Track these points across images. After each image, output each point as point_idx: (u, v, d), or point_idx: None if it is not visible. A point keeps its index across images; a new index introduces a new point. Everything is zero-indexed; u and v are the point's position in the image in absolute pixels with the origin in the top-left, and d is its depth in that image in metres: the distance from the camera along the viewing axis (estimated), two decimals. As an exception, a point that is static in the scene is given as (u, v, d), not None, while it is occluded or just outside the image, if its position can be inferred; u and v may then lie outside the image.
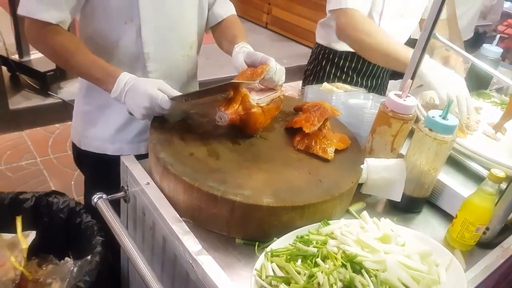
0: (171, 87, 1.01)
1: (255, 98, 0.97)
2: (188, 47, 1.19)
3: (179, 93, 0.97)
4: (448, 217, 0.98)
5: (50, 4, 0.97)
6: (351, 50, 1.56)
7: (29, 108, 2.83)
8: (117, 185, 1.01)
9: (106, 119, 1.18)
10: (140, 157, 1.01)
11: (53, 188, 2.12)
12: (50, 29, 0.98)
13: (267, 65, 0.99)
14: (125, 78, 0.97)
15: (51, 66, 2.90)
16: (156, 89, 0.94)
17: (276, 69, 1.00)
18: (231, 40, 1.18)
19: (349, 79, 1.62)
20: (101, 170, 1.22)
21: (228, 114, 0.93)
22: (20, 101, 2.85)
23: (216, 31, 1.28)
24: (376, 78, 1.67)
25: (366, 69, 1.61)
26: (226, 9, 1.28)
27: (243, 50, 1.08)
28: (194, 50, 1.22)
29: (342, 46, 1.57)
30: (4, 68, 2.79)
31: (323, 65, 1.63)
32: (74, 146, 1.26)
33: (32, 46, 1.05)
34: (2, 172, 2.42)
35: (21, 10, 0.98)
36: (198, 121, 1.02)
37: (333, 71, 1.62)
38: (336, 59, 1.59)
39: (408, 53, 1.20)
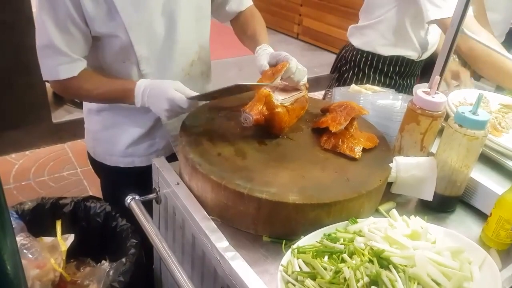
0: None
1: (279, 98, 0.98)
2: (188, 66, 1.18)
3: (195, 93, 0.99)
4: (482, 216, 0.94)
5: (67, 62, 1.03)
6: (397, 54, 1.56)
7: (71, 121, 2.95)
8: (133, 192, 1.01)
9: (114, 139, 1.22)
10: (148, 170, 1.05)
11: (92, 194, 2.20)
12: (69, 82, 1.05)
13: (287, 62, 1.00)
14: (141, 87, 1.02)
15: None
16: (173, 91, 0.98)
17: (297, 69, 1.01)
18: (251, 36, 1.19)
19: (392, 82, 1.62)
20: (115, 179, 1.27)
21: (252, 115, 0.94)
22: (63, 115, 2.98)
23: (235, 26, 1.29)
24: (413, 76, 1.66)
25: (409, 70, 1.60)
26: (238, 4, 1.27)
27: (265, 52, 1.10)
28: (196, 67, 1.21)
29: (389, 51, 1.56)
30: (47, 85, 2.94)
31: (365, 71, 1.62)
32: (89, 154, 1.31)
33: (61, 95, 1.17)
34: (45, 182, 2.53)
35: (46, 77, 1.05)
36: (225, 124, 1.04)
37: (377, 77, 1.61)
38: (380, 64, 1.58)
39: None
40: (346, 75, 1.70)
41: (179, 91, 0.98)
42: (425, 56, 1.61)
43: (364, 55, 1.61)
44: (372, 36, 1.58)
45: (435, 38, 1.60)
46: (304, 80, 1.05)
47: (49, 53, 1.01)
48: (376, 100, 1.15)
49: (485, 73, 1.32)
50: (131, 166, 1.23)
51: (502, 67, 1.20)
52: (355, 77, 1.66)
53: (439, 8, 1.27)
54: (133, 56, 1.07)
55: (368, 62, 1.61)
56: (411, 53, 1.57)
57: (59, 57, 1.01)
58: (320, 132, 1.02)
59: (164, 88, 0.99)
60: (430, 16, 1.30)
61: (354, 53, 1.66)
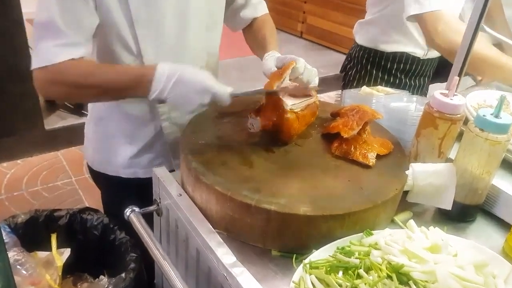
0: (179, 115, 1.04)
1: (288, 104, 0.98)
2: None
3: (230, 88, 0.96)
4: (505, 225, 0.93)
5: (67, 43, 0.93)
6: (400, 50, 1.56)
7: (64, 128, 2.96)
8: (133, 204, 1.00)
9: (115, 149, 1.21)
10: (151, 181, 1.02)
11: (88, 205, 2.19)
12: (65, 69, 0.95)
13: (294, 61, 1.00)
14: (164, 71, 0.92)
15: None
16: (215, 82, 0.92)
17: (305, 69, 1.01)
18: (261, 43, 1.19)
19: (397, 81, 1.61)
20: (115, 189, 1.25)
21: (259, 120, 0.94)
22: (56, 121, 2.99)
23: (247, 34, 1.29)
24: (423, 77, 1.65)
25: (415, 69, 1.59)
26: (253, 10, 1.28)
27: (273, 57, 1.10)
28: None
29: (391, 47, 1.56)
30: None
31: (368, 69, 1.63)
32: (88, 164, 1.30)
33: (45, 95, 1.03)
34: (39, 192, 2.54)
35: (38, 62, 0.94)
36: (230, 130, 1.03)
37: (380, 75, 1.61)
38: (383, 61, 1.58)
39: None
40: (350, 73, 1.71)
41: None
42: (434, 54, 1.61)
43: (367, 52, 1.61)
44: (374, 32, 1.58)
45: None
46: (315, 82, 1.04)
47: (46, 34, 0.93)
48: (389, 102, 1.14)
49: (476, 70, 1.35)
50: (133, 177, 1.23)
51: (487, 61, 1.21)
52: (358, 75, 1.66)
53: (420, 4, 1.26)
54: (137, 51, 1.04)
55: (371, 59, 1.61)
56: (415, 50, 1.57)
57: (58, 37, 0.92)
58: (330, 138, 1.01)
59: (202, 77, 0.92)
60: (410, 11, 1.29)
61: (358, 49, 1.66)
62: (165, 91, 0.92)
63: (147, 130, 1.18)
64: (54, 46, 0.93)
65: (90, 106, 1.25)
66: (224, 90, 0.93)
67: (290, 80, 1.03)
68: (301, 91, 1.02)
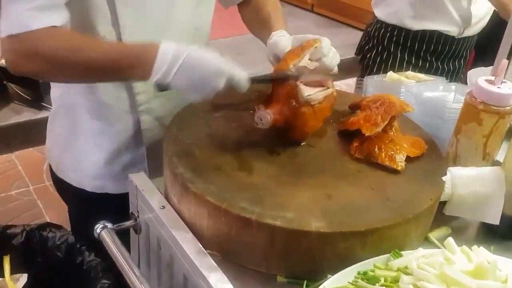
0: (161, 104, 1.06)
1: (305, 94, 0.97)
2: None
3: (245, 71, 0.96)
4: None
5: (46, 6, 0.91)
6: (431, 28, 1.56)
7: (20, 124, 2.95)
8: (106, 218, 0.99)
9: (86, 150, 1.21)
10: (126, 196, 1.02)
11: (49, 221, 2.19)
12: (43, 38, 0.93)
13: (318, 40, 1.01)
14: (169, 49, 0.92)
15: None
16: (231, 65, 0.92)
17: (330, 50, 1.02)
18: (264, 21, 1.19)
19: (427, 65, 1.61)
20: (82, 204, 1.26)
21: (271, 113, 0.93)
22: (9, 116, 2.98)
23: (243, 12, 1.29)
24: (458, 59, 1.65)
25: (448, 50, 1.59)
26: None
27: (283, 37, 1.09)
28: None
29: (419, 24, 1.56)
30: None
31: (390, 50, 1.63)
32: (51, 169, 1.30)
33: (17, 71, 0.98)
34: (-12, 204, 2.54)
35: (9, 29, 0.91)
36: (224, 127, 1.03)
37: (405, 57, 1.62)
38: (409, 41, 1.58)
39: None
40: (369, 56, 1.71)
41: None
42: (470, 32, 1.62)
43: (389, 30, 1.61)
44: (398, 5, 1.58)
45: (483, 10, 1.60)
46: (335, 69, 1.05)
47: None
48: (421, 92, 1.15)
49: None
50: (100, 191, 1.23)
51: None
52: (378, 58, 1.67)
53: None
54: (115, 25, 1.04)
55: (394, 39, 1.62)
56: (449, 28, 1.57)
57: None
58: (349, 136, 1.01)
59: (215, 58, 0.92)
60: None
61: (378, 27, 1.66)
62: (170, 73, 0.91)
63: (123, 125, 1.18)
64: (30, 10, 0.90)
65: (56, 93, 1.24)
66: (242, 73, 0.94)
67: (310, 60, 1.02)
68: (322, 76, 1.02)
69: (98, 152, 1.20)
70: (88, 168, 1.21)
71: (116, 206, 1.07)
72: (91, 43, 0.98)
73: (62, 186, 1.28)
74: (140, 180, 0.99)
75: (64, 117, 1.23)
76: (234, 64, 0.94)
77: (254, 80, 0.96)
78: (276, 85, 0.98)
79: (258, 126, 0.95)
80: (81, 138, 1.21)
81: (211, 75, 0.91)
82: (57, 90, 1.24)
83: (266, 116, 0.93)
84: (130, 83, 1.11)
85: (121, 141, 1.19)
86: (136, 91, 1.13)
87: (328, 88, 1.04)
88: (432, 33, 1.57)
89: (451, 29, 1.58)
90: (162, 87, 0.94)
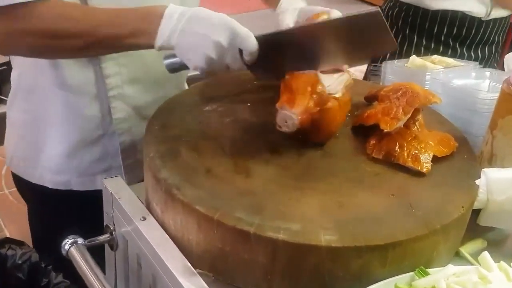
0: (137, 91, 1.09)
1: (326, 85, 0.98)
2: None
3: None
4: None
5: None
6: (452, 8, 1.55)
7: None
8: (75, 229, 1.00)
9: (46, 140, 1.22)
10: (95, 195, 1.02)
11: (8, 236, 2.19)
12: (35, 6, 0.96)
13: (326, 13, 1.04)
14: (176, 8, 0.98)
15: (2, 58, 3.01)
16: (236, 22, 0.96)
17: None
18: None
19: (449, 51, 1.61)
20: (44, 205, 1.27)
21: (297, 114, 0.92)
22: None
23: None
24: (489, 45, 1.65)
25: (475, 35, 1.59)
26: None
27: (293, 6, 1.12)
28: None
29: (438, 3, 1.56)
30: None
31: (406, 33, 1.63)
32: (9, 164, 1.32)
33: (7, 50, 1.08)
34: None
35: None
36: (217, 122, 1.04)
37: (423, 42, 1.62)
38: (427, 23, 1.58)
39: None
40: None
41: None
42: (500, 13, 1.61)
43: (404, 9, 1.61)
44: None
45: None
46: None
47: None
48: (450, 79, 1.15)
49: None
50: (64, 188, 1.24)
51: None
52: (398, 45, 1.66)
53: None
54: None
55: (410, 19, 1.61)
56: (473, 8, 1.57)
57: None
58: (365, 132, 1.02)
59: (221, 15, 0.96)
60: None
61: (391, 5, 1.66)
62: (176, 31, 0.96)
63: (91, 111, 1.19)
64: None
65: (15, 73, 1.26)
66: (248, 31, 0.96)
67: None
68: None
69: (60, 142, 1.21)
70: (49, 160, 1.23)
71: (83, 207, 1.08)
72: (91, 11, 1.03)
73: (20, 185, 1.30)
74: (116, 187, 0.99)
75: (22, 101, 1.24)
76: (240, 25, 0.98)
77: (262, 39, 0.97)
78: (297, 78, 0.98)
79: (282, 130, 0.94)
80: (41, 125, 1.22)
81: (216, 26, 0.95)
82: (16, 70, 1.25)
83: (292, 117, 0.92)
84: (99, 63, 1.13)
85: (88, 130, 1.21)
86: (105, 72, 1.15)
87: (343, 73, 1.05)
88: (454, 13, 1.56)
89: (477, 9, 1.57)
90: (175, 66, 1.01)
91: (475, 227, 0.94)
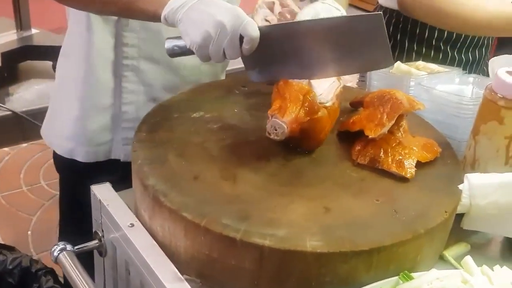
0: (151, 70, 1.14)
1: (317, 94, 0.98)
2: None
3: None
4: None
5: None
6: None
7: None
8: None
9: (63, 103, 1.28)
10: (98, 168, 1.07)
11: (1, 241, 2.17)
12: None
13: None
14: None
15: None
16: (243, 11, 0.97)
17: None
18: None
19: (440, 55, 1.62)
20: (58, 171, 1.35)
21: (287, 122, 0.92)
22: None
23: None
24: (479, 48, 1.65)
25: (465, 37, 1.59)
26: None
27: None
28: None
29: None
30: None
31: (397, 39, 1.63)
32: None
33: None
34: None
35: None
36: (204, 129, 1.03)
37: (415, 47, 1.61)
38: (418, 28, 1.58)
39: None
40: None
41: None
42: None
43: (394, 15, 1.61)
44: None
45: None
46: None
47: None
48: (434, 85, 1.15)
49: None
50: (69, 157, 1.29)
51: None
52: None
53: None
54: None
55: (401, 25, 1.61)
56: None
57: None
58: (350, 138, 1.02)
59: (230, 4, 0.97)
60: None
61: (382, 11, 1.66)
62: (185, 6, 0.97)
63: (104, 75, 1.23)
64: None
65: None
66: (253, 20, 0.96)
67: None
68: None
69: (73, 105, 1.25)
70: (60, 124, 1.29)
71: (87, 180, 1.08)
72: None
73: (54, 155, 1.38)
74: (104, 193, 0.99)
75: (59, 68, 1.32)
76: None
77: (265, 30, 0.96)
78: (286, 87, 0.97)
79: (271, 137, 0.94)
80: (63, 88, 1.29)
81: (223, 11, 0.94)
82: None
83: (283, 126, 0.92)
84: (122, 30, 1.19)
85: (100, 96, 1.24)
86: (125, 41, 1.20)
87: (334, 79, 1.05)
88: None
89: None
90: (175, 49, 1.01)
91: (458, 231, 0.94)
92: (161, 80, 1.24)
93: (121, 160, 1.26)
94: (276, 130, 0.93)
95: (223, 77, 1.41)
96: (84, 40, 1.22)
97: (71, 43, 1.28)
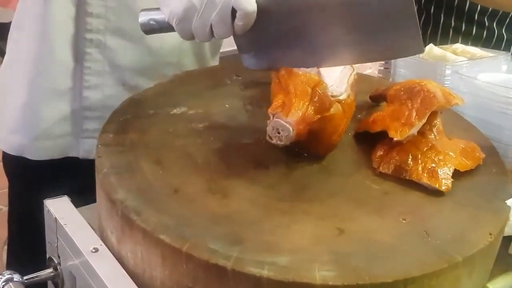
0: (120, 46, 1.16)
1: (328, 86, 0.97)
2: None
3: None
4: None
5: None
6: None
7: None
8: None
9: (15, 81, 1.29)
10: (54, 171, 1.06)
11: None
12: None
13: None
14: None
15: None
16: None
17: None
18: None
19: (485, 33, 1.62)
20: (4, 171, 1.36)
21: (293, 123, 0.91)
22: None
23: None
24: None
25: None
26: None
27: None
28: None
29: None
30: None
31: (431, 13, 1.63)
32: None
33: None
34: None
35: None
36: (187, 129, 1.04)
37: (453, 23, 1.62)
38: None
39: None
40: None
41: None
42: None
43: None
44: None
45: None
46: None
47: None
48: (476, 74, 1.15)
49: None
50: (17, 154, 1.30)
51: None
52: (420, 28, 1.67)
53: None
54: None
55: None
56: None
57: None
58: (370, 141, 1.02)
59: None
60: None
61: None
62: None
63: (62, 52, 1.24)
64: None
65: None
66: None
67: None
68: None
69: (24, 88, 1.26)
70: (7, 112, 1.30)
71: (41, 187, 1.09)
72: None
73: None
74: (61, 210, 0.99)
75: (9, 41, 1.33)
76: None
77: (264, 3, 0.96)
78: (286, 75, 0.97)
79: (272, 142, 0.93)
80: (12, 67, 1.31)
81: None
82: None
83: (288, 128, 0.91)
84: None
85: (56, 78, 1.25)
86: (88, 10, 1.21)
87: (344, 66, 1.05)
88: None
89: None
90: (151, 23, 1.00)
91: (506, 257, 0.95)
92: (133, 61, 1.25)
93: (80, 158, 1.27)
94: (279, 133, 0.92)
95: (214, 62, 1.41)
96: (39, 9, 1.22)
97: (23, 13, 1.28)
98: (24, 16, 1.28)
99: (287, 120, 0.91)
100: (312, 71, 0.98)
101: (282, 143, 0.92)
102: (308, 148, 0.99)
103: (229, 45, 1.15)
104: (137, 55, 1.25)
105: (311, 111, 0.93)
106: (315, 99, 0.94)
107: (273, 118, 0.93)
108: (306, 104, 0.93)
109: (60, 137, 1.28)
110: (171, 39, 1.12)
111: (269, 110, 0.94)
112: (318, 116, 0.94)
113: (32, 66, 1.25)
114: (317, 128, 0.95)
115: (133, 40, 1.23)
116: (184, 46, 1.27)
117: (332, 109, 0.95)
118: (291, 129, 0.91)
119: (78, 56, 1.24)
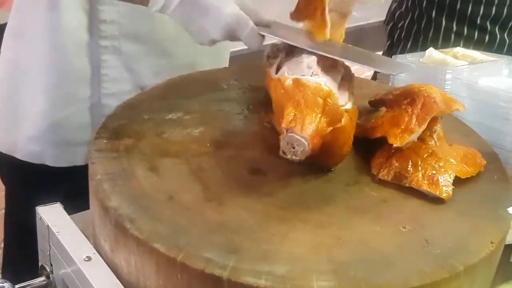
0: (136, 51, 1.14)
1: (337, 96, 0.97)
2: None
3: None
4: None
5: None
6: None
7: None
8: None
9: (28, 89, 1.28)
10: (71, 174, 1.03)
11: None
12: None
13: None
14: None
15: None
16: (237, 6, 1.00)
17: None
18: None
19: (486, 37, 1.62)
20: (15, 182, 1.35)
21: (309, 137, 0.90)
22: None
23: None
24: None
25: None
26: None
27: None
28: None
29: None
30: None
31: (431, 16, 1.64)
32: None
33: None
34: None
35: None
36: (182, 135, 1.03)
37: (454, 27, 1.62)
38: (459, 3, 1.60)
39: None
40: (400, 25, 1.72)
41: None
42: None
43: None
44: None
45: None
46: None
47: None
48: (477, 79, 1.15)
49: None
50: (37, 162, 1.29)
51: None
52: (415, 28, 1.69)
53: None
54: None
55: (436, 0, 1.62)
56: None
57: None
58: (369, 147, 1.02)
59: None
60: None
61: None
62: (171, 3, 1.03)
63: (79, 61, 1.25)
64: None
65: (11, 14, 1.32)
66: (249, 20, 1.00)
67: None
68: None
69: (40, 96, 1.26)
70: (23, 120, 1.29)
71: (59, 188, 1.11)
72: None
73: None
74: (54, 217, 0.98)
75: (6, 49, 1.32)
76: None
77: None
78: (295, 86, 0.96)
79: (287, 157, 0.91)
80: (22, 75, 1.29)
81: (215, 6, 0.99)
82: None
83: (303, 142, 0.89)
84: (97, 4, 1.22)
85: (74, 86, 1.26)
86: (101, 17, 1.22)
87: (339, 70, 1.05)
88: None
89: None
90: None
91: (508, 266, 0.95)
92: (149, 64, 1.26)
93: None
94: (294, 148, 0.90)
95: (225, 63, 1.43)
96: (46, 20, 1.22)
97: (22, 22, 1.27)
98: (24, 26, 1.28)
99: (302, 135, 0.89)
100: (317, 79, 0.97)
101: (298, 158, 0.90)
102: (319, 162, 0.98)
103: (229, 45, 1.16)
104: (153, 58, 1.26)
105: (323, 123, 0.92)
106: (326, 111, 0.93)
107: (287, 133, 0.90)
108: (319, 116, 0.92)
109: (82, 144, 1.28)
110: (186, 40, 1.12)
111: (283, 125, 0.92)
112: (331, 128, 0.93)
113: (48, 76, 1.25)
114: (329, 140, 0.94)
115: (148, 44, 1.24)
116: (199, 46, 1.28)
117: (344, 120, 0.95)
118: (306, 144, 0.89)
119: (94, 64, 1.25)
